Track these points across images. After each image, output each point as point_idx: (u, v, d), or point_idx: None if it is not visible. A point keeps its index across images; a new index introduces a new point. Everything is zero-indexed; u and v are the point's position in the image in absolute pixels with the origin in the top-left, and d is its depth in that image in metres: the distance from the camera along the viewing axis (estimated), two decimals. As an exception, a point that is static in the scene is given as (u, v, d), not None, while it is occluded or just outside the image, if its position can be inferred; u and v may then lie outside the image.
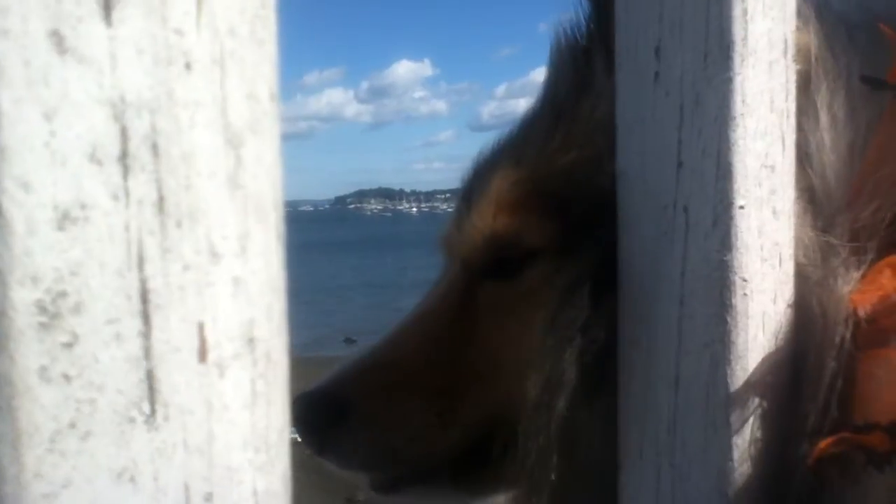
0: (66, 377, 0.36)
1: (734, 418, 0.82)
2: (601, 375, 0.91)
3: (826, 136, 0.87)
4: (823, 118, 0.87)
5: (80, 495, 0.36)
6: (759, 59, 0.81)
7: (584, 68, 1.03)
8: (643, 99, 0.87)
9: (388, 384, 1.09)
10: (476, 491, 1.10)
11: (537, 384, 0.94)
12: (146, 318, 0.38)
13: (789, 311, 0.84)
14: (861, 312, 0.80)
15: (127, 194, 0.38)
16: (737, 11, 0.79)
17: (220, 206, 0.41)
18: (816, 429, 0.79)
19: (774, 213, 0.82)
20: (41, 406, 0.36)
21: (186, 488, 0.40)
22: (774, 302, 0.83)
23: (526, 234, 1.03)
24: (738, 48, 0.79)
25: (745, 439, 0.82)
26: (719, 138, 0.80)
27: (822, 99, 0.88)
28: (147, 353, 0.38)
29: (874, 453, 0.75)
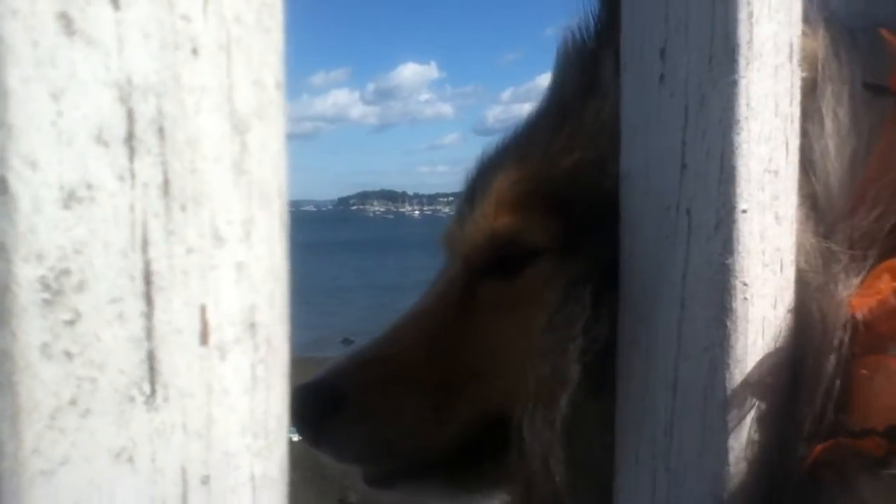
0: (68, 354, 0.36)
1: (731, 422, 0.82)
2: (603, 375, 0.91)
3: (830, 142, 0.87)
4: (828, 125, 0.87)
5: (77, 473, 0.37)
6: (765, 63, 0.81)
7: (591, 70, 1.03)
8: (648, 100, 0.87)
9: (384, 378, 1.09)
10: (471, 488, 1.10)
11: (539, 381, 0.94)
12: (149, 299, 0.38)
13: (789, 316, 0.84)
14: (859, 316, 0.80)
15: (133, 176, 0.38)
16: (742, 14, 0.79)
17: (225, 191, 0.41)
18: (813, 433, 0.79)
19: (777, 217, 0.82)
20: (42, 382, 0.36)
21: (184, 471, 0.40)
22: (774, 307, 0.83)
23: (527, 234, 1.03)
24: (744, 51, 0.79)
25: (741, 443, 0.82)
26: (723, 141, 0.80)
27: (826, 105, 0.88)
28: (149, 333, 0.39)
29: (870, 458, 0.75)
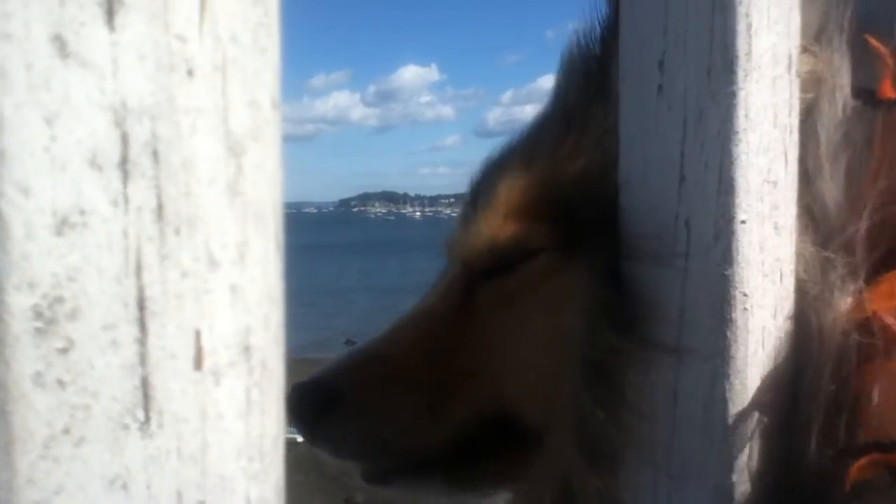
0: (61, 383, 0.36)
1: (733, 432, 0.82)
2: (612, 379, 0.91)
3: (824, 157, 0.87)
4: (822, 139, 0.87)
5: (72, 502, 0.36)
6: (763, 75, 0.81)
7: (597, 75, 1.03)
8: (646, 112, 0.87)
9: (381, 377, 1.10)
10: (468, 487, 1.11)
11: (544, 381, 0.96)
12: (143, 325, 0.38)
13: (789, 326, 0.84)
14: (889, 320, 0.79)
15: (126, 200, 0.38)
16: (741, 26, 0.79)
17: (220, 214, 0.41)
18: (825, 447, 0.78)
19: (776, 228, 0.82)
20: (35, 412, 0.36)
21: (179, 496, 0.39)
22: (774, 317, 0.83)
23: (530, 239, 1.04)
24: (742, 63, 0.79)
25: (743, 455, 0.82)
26: (722, 153, 0.80)
27: (821, 120, 0.88)
28: (143, 359, 0.38)
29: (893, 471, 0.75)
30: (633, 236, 0.89)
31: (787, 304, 0.84)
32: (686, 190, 0.83)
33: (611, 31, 1.03)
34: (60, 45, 0.36)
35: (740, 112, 0.80)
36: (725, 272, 0.81)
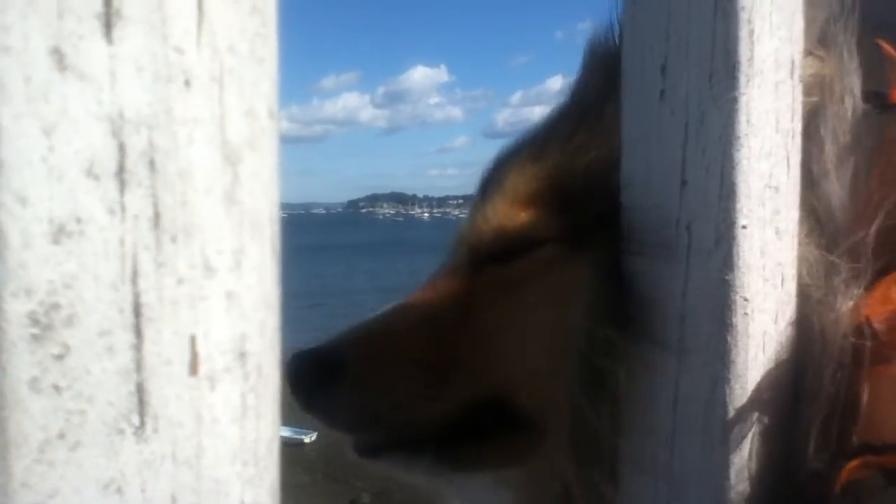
0: (57, 388, 0.37)
1: (733, 436, 0.82)
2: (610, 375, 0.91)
3: (831, 160, 0.87)
4: (828, 143, 0.87)
5: (67, 505, 0.37)
6: (766, 80, 0.81)
7: (614, 72, 1.04)
8: (648, 116, 0.87)
9: (381, 352, 1.11)
10: (459, 467, 1.12)
11: (544, 372, 0.97)
12: (138, 331, 0.39)
13: (790, 330, 0.84)
14: (877, 325, 0.80)
15: (123, 209, 0.39)
16: (743, 32, 0.79)
17: (216, 222, 0.42)
18: (822, 448, 0.79)
19: (777, 233, 0.82)
20: (30, 416, 0.36)
21: (173, 500, 0.40)
22: (775, 322, 0.83)
23: (534, 228, 1.05)
24: (744, 68, 0.80)
25: (743, 457, 0.82)
26: (723, 157, 0.80)
27: (828, 124, 0.88)
28: (138, 365, 0.39)
29: (892, 473, 0.75)
30: (635, 239, 0.89)
31: (789, 309, 0.84)
32: (687, 194, 0.83)
33: None
34: (59, 57, 0.37)
35: (742, 117, 0.80)
36: (726, 277, 0.81)
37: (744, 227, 0.80)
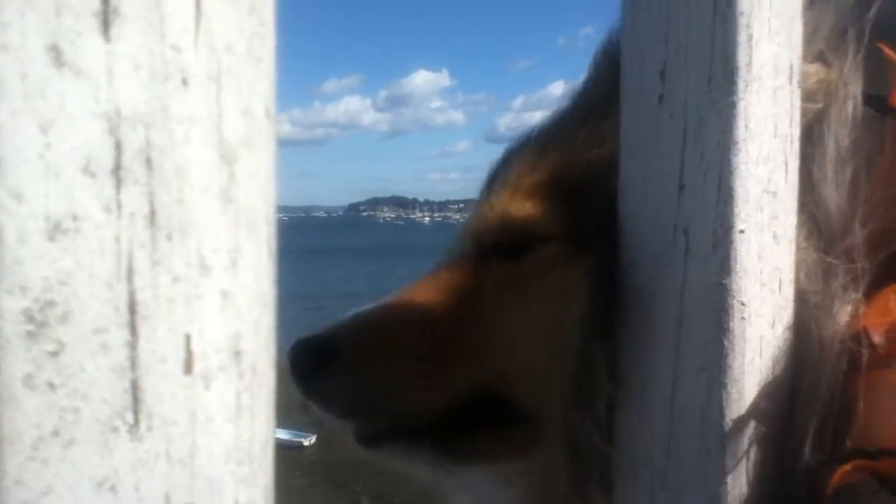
0: (51, 385, 0.37)
1: (729, 441, 0.82)
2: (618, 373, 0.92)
3: (831, 162, 0.87)
4: (829, 144, 0.87)
5: (60, 503, 0.37)
6: (764, 85, 0.81)
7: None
8: (647, 120, 0.87)
9: (380, 340, 1.12)
10: (456, 458, 1.12)
11: (543, 367, 0.98)
12: (133, 328, 0.39)
13: (787, 335, 0.84)
14: (876, 338, 0.80)
15: (119, 207, 0.39)
16: (742, 37, 0.79)
17: (212, 220, 0.42)
18: (817, 452, 0.79)
19: (775, 237, 0.82)
20: (24, 413, 0.36)
21: (167, 499, 0.40)
22: (773, 326, 0.83)
23: (540, 222, 1.06)
24: (743, 73, 0.80)
25: (739, 462, 0.82)
26: (721, 162, 0.80)
27: (830, 129, 0.88)
28: (133, 363, 0.39)
29: (886, 479, 0.75)
30: (633, 243, 0.89)
31: (786, 314, 0.84)
32: (685, 198, 0.83)
33: None
34: (56, 54, 0.37)
35: (740, 122, 0.80)
36: (724, 281, 0.81)
37: (741, 231, 0.80)
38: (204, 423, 0.41)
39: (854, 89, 0.89)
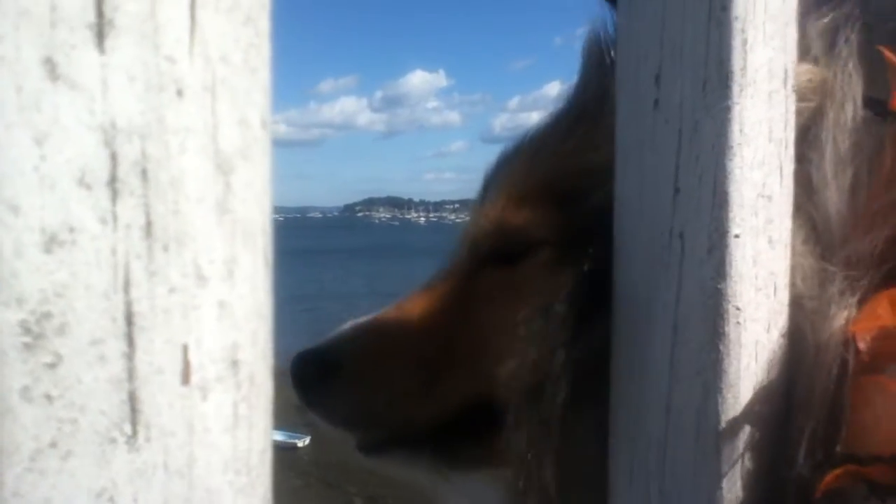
0: (49, 397, 0.37)
1: (724, 446, 0.82)
2: (595, 376, 0.92)
3: (830, 165, 0.87)
4: (828, 148, 0.87)
5: (58, 515, 0.37)
6: (759, 90, 0.81)
7: (609, 77, 1.05)
8: (642, 124, 0.87)
9: (378, 349, 1.14)
10: (455, 465, 1.13)
11: (529, 374, 0.97)
12: (130, 340, 0.39)
13: (783, 340, 0.84)
14: (861, 345, 0.80)
15: (115, 218, 0.39)
16: (736, 41, 0.80)
17: (208, 231, 0.42)
18: (811, 458, 0.79)
19: (770, 242, 0.83)
20: (22, 425, 0.36)
21: (165, 509, 0.40)
22: (768, 331, 0.83)
23: (533, 227, 1.06)
24: (737, 78, 0.80)
25: (734, 467, 0.82)
26: (716, 167, 0.80)
27: (828, 128, 0.88)
28: (130, 374, 0.39)
29: (877, 485, 0.75)
30: (628, 247, 0.90)
31: (781, 319, 0.84)
32: (680, 202, 0.83)
33: None
34: (51, 67, 0.37)
35: (735, 126, 0.80)
36: (719, 286, 0.81)
37: (736, 236, 0.81)
38: (202, 434, 0.41)
39: (852, 91, 0.89)
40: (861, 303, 0.83)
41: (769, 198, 0.82)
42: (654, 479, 0.86)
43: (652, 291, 0.86)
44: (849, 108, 0.88)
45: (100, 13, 0.38)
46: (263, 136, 0.45)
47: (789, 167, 0.84)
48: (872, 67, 0.90)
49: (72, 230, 0.38)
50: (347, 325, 1.19)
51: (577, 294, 0.93)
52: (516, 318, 1.04)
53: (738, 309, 0.81)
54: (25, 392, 0.36)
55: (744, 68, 0.80)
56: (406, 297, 1.19)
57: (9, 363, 0.36)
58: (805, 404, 0.81)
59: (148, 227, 0.39)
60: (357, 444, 1.15)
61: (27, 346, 0.36)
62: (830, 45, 0.91)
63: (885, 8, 0.99)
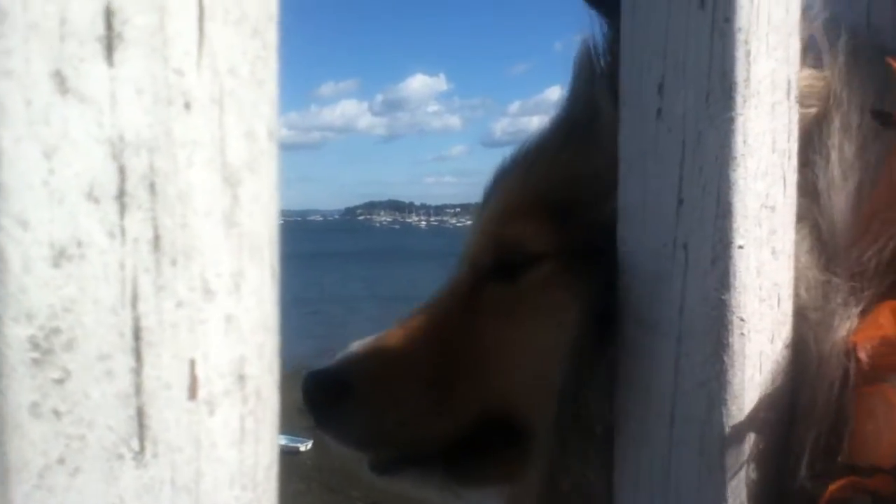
0: (57, 413, 0.37)
1: (729, 457, 0.82)
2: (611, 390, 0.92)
3: (835, 174, 0.87)
4: (833, 156, 0.87)
5: (65, 531, 0.37)
6: (762, 101, 0.81)
7: (599, 89, 1.05)
8: (646, 134, 0.87)
9: (388, 370, 1.14)
10: (467, 482, 1.14)
11: (539, 386, 0.98)
12: (138, 354, 0.39)
13: (786, 350, 0.84)
14: (862, 355, 0.80)
15: (123, 232, 0.39)
16: (740, 53, 0.80)
17: (216, 245, 0.41)
18: (814, 468, 0.79)
19: (774, 252, 0.83)
20: (31, 442, 0.36)
21: (172, 525, 0.40)
22: (772, 342, 0.83)
23: (529, 241, 1.07)
24: (741, 89, 0.80)
25: (739, 478, 0.82)
26: (720, 177, 0.80)
27: (833, 137, 0.88)
28: (138, 389, 0.39)
29: (879, 496, 0.75)
30: (631, 257, 0.89)
31: (785, 329, 0.84)
32: (684, 213, 0.83)
33: (612, 46, 1.04)
34: (60, 80, 0.37)
35: (738, 137, 0.80)
36: (723, 297, 0.81)
37: (740, 246, 0.80)
38: (208, 449, 0.41)
39: (857, 99, 0.89)
40: (864, 313, 0.83)
41: (773, 208, 0.82)
42: (659, 489, 0.86)
43: (655, 302, 0.86)
44: (855, 116, 0.88)
45: (109, 26, 0.38)
46: (270, 148, 0.45)
47: (792, 177, 0.84)
48: (879, 78, 0.91)
49: (80, 244, 0.37)
50: (354, 345, 1.20)
51: (590, 307, 0.93)
52: (524, 333, 1.04)
53: (741, 320, 0.81)
54: (34, 408, 0.36)
55: (747, 79, 0.80)
56: (410, 316, 1.20)
57: (17, 379, 0.36)
58: (807, 415, 0.81)
59: (156, 241, 0.39)
60: (369, 464, 1.15)
61: (36, 362, 0.36)
62: (838, 55, 0.91)
63: (883, 25, 1.00)
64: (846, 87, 0.90)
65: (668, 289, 0.84)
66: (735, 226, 0.80)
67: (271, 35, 0.45)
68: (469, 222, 1.29)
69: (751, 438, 0.81)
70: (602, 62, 1.06)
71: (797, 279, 0.85)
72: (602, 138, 0.99)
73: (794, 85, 0.84)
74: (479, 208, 1.19)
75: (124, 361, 0.38)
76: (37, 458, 0.36)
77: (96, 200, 0.38)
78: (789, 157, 0.84)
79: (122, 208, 0.39)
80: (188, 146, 0.41)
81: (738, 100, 0.80)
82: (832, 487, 0.76)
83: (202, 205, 0.41)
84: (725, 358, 0.81)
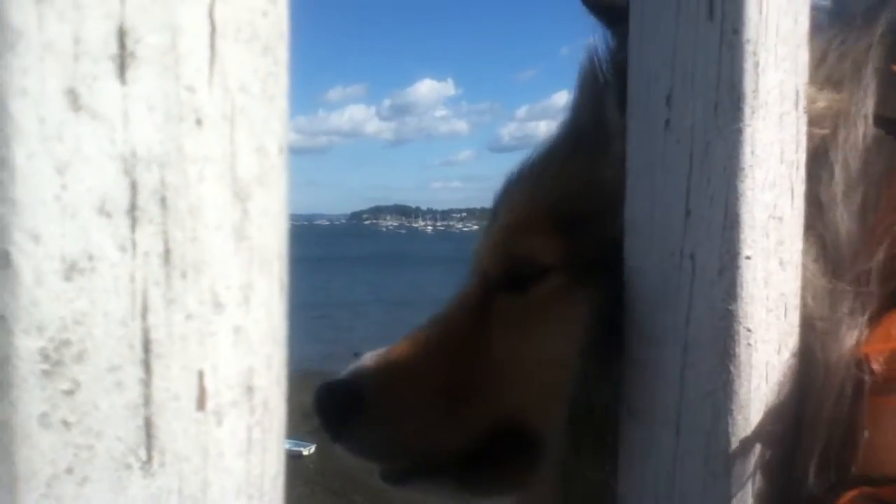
0: (66, 424, 0.37)
1: (734, 467, 0.82)
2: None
3: (840, 185, 0.87)
4: (838, 168, 0.87)
5: (74, 541, 0.37)
6: (770, 112, 0.81)
7: (604, 98, 1.06)
8: (654, 146, 0.88)
9: (400, 381, 1.15)
10: (480, 492, 1.15)
11: (551, 397, 0.98)
12: (147, 366, 0.39)
13: (793, 361, 0.84)
14: (876, 366, 0.80)
15: (134, 246, 0.39)
16: (748, 64, 0.80)
17: (225, 258, 0.42)
18: (820, 479, 0.79)
19: (781, 263, 0.83)
20: (39, 452, 0.37)
21: (179, 534, 0.40)
22: (779, 352, 0.83)
23: (538, 254, 1.07)
24: (749, 100, 0.80)
25: (744, 489, 0.82)
26: (727, 188, 0.81)
27: (838, 148, 0.88)
28: (147, 400, 0.39)
29: None
30: (638, 268, 0.90)
31: (792, 340, 0.84)
32: (692, 224, 0.84)
33: (615, 56, 1.05)
34: (73, 98, 0.38)
35: (746, 148, 0.80)
36: (730, 307, 0.81)
37: (748, 257, 0.81)
38: (216, 459, 0.42)
39: (865, 111, 0.89)
40: (871, 322, 0.83)
41: (780, 219, 0.82)
42: (664, 500, 0.86)
43: (662, 312, 0.86)
44: (860, 126, 0.88)
45: (122, 45, 0.38)
46: (280, 162, 0.45)
47: (800, 188, 0.84)
48: (885, 86, 0.90)
49: (91, 258, 0.38)
50: (366, 357, 1.20)
51: (598, 318, 0.94)
52: (535, 345, 1.05)
53: (748, 330, 0.81)
54: (43, 418, 0.37)
55: (755, 91, 0.80)
56: (423, 327, 1.21)
57: (28, 390, 0.37)
58: (814, 424, 0.81)
59: (166, 255, 0.40)
60: (381, 474, 1.16)
61: (46, 374, 0.37)
62: (844, 68, 0.91)
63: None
64: (854, 99, 0.90)
65: (674, 299, 0.85)
66: (742, 236, 0.81)
67: (282, 52, 0.45)
68: (476, 227, 1.30)
69: (757, 448, 0.81)
70: (607, 73, 1.06)
71: (804, 288, 0.85)
72: (609, 149, 1.00)
73: (802, 96, 0.84)
74: (489, 221, 1.19)
75: (133, 373, 0.39)
76: (45, 468, 0.37)
77: (108, 215, 0.39)
78: (797, 168, 0.84)
79: (134, 222, 0.39)
80: (199, 161, 0.41)
81: (747, 111, 0.80)
82: (843, 498, 0.76)
83: (212, 219, 0.42)
84: (732, 368, 0.81)
